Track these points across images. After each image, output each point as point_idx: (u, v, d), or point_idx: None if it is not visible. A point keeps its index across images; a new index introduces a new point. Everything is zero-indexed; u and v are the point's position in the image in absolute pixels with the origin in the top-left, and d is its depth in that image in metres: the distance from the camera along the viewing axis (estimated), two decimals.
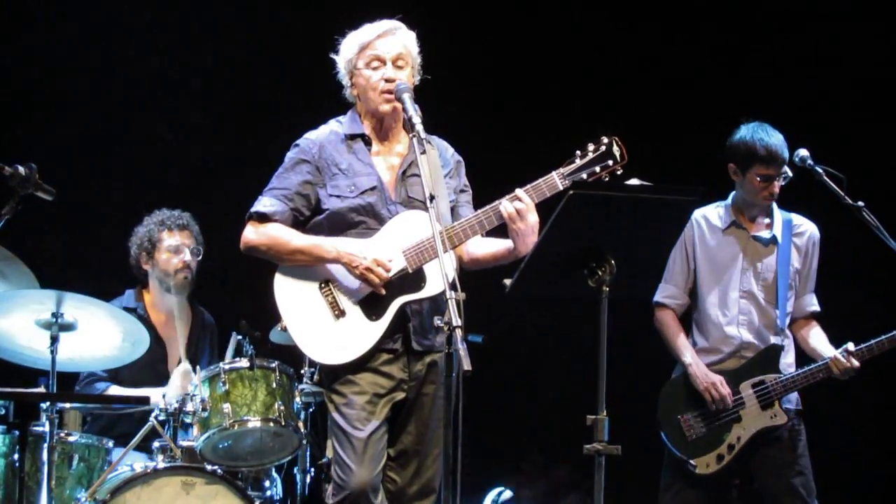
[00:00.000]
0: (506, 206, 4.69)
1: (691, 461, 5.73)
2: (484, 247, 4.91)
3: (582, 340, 4.57)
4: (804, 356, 5.87)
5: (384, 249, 4.74)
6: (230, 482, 5.38)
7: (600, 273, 4.36)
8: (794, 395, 5.82)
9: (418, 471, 4.85)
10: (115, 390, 5.98)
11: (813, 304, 5.94)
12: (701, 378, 5.74)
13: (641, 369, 6.12)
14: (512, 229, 4.72)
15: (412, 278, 4.74)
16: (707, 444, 5.75)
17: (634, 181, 4.45)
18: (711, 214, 5.91)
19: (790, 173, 5.72)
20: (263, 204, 4.86)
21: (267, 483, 5.76)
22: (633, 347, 5.72)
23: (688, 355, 5.80)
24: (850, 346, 5.68)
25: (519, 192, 4.70)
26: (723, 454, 5.72)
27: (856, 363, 5.65)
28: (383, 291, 4.72)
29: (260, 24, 7.32)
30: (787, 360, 5.83)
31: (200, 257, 6.24)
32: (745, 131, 5.78)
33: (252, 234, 4.86)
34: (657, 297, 5.92)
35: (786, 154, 5.71)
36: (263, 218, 4.84)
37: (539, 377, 7.36)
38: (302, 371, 5.91)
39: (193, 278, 6.21)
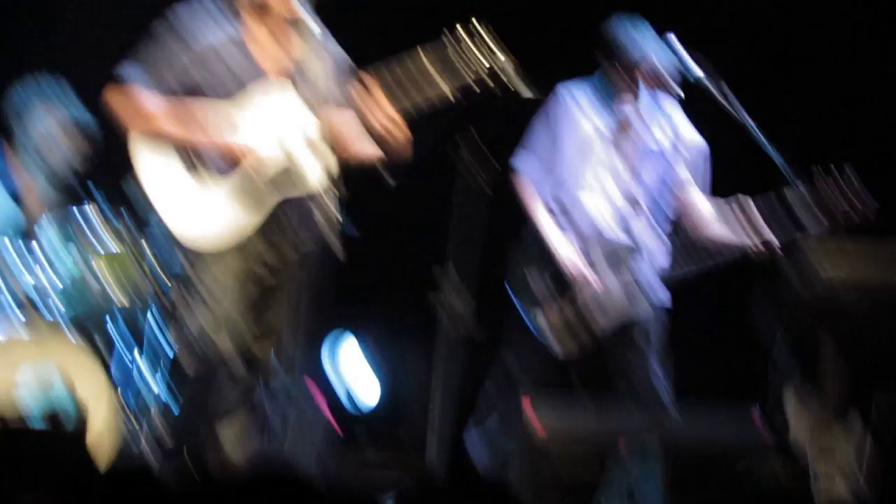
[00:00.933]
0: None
1: (537, 316, 5.77)
2: None
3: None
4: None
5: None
6: None
7: None
8: (666, 294, 5.84)
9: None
10: None
11: (706, 206, 5.86)
12: (569, 267, 5.71)
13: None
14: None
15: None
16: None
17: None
18: (579, 92, 5.84)
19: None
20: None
21: None
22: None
23: (553, 236, 5.75)
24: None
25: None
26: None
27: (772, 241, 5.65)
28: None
29: None
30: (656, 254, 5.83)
31: None
32: (619, 21, 5.71)
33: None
34: (514, 162, 5.86)
35: (662, 52, 5.62)
36: None
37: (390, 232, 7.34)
38: None
39: None
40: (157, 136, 4.70)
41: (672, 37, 5.63)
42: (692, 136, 5.88)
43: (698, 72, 5.54)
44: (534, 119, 5.82)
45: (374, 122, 4.55)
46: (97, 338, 5.63)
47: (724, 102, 5.52)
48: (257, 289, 4.80)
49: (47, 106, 6.05)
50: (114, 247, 5.54)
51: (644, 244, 5.80)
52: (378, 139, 4.60)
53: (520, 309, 5.82)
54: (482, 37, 4.59)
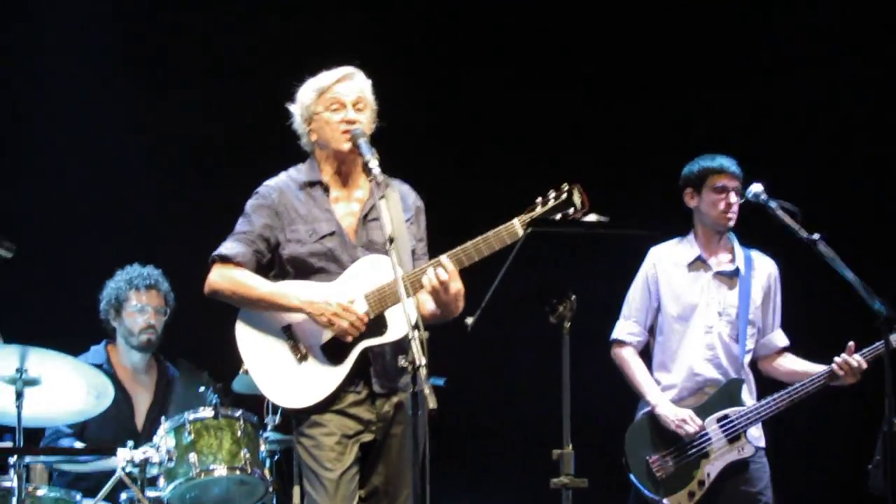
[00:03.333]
0: (429, 276, 4.64)
1: (664, 501, 5.74)
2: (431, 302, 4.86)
3: (545, 376, 4.59)
4: (766, 390, 5.87)
5: (346, 294, 4.73)
6: None
7: (561, 309, 4.42)
8: (759, 432, 5.84)
9: None
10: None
11: (783, 340, 5.98)
12: (671, 417, 5.75)
13: (605, 402, 6.12)
14: (434, 299, 4.70)
15: (374, 323, 4.73)
16: (678, 483, 5.75)
17: (592, 217, 4.50)
18: (674, 251, 5.93)
19: (746, 194, 5.69)
20: (226, 247, 4.86)
21: None
22: (595, 380, 5.73)
23: (653, 394, 5.82)
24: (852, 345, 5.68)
25: (443, 258, 4.66)
26: (694, 491, 5.73)
27: (864, 363, 5.65)
28: (350, 339, 4.70)
29: (224, 74, 7.33)
30: (747, 395, 5.85)
31: (167, 316, 6.29)
32: (697, 158, 5.88)
33: (216, 277, 4.86)
34: (616, 335, 5.94)
35: (738, 168, 5.80)
36: (226, 260, 4.84)
37: (504, 415, 7.34)
38: (265, 419, 5.91)
39: (158, 338, 6.30)
40: (253, 306, 4.80)
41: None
42: (769, 271, 5.94)
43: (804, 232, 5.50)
44: (630, 286, 5.88)
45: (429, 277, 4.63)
46: None
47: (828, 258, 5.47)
48: (359, 448, 4.78)
49: (141, 295, 6.24)
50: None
51: (742, 391, 5.80)
52: (431, 292, 4.66)
53: (648, 496, 5.78)
54: (575, 201, 4.65)
